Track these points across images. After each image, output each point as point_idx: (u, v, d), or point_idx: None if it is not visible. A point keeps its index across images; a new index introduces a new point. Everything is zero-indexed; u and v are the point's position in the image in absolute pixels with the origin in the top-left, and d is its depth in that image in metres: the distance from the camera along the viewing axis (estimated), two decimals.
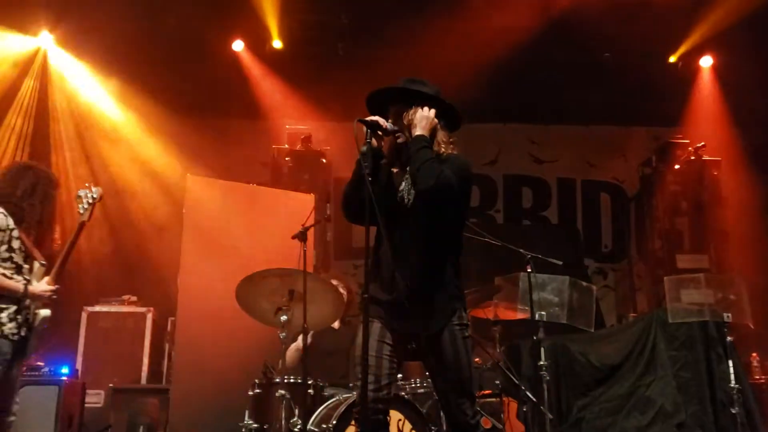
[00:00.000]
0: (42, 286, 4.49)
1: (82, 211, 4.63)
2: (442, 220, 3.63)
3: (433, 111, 3.67)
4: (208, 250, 6.71)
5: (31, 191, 4.55)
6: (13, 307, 4.40)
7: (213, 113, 9.51)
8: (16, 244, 4.48)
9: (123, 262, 7.93)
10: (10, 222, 4.48)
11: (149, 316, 7.62)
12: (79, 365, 7.19)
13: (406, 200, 3.67)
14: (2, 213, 4.47)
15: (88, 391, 6.82)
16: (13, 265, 4.48)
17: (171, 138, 9.39)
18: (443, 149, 3.71)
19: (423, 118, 3.65)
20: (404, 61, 8.05)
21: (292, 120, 9.23)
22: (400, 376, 5.47)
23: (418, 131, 3.63)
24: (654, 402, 6.69)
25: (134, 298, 7.81)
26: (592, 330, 6.59)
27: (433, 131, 3.69)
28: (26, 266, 4.52)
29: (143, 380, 7.41)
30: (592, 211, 10.12)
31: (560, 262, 5.92)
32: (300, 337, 5.70)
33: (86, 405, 6.73)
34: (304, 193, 7.52)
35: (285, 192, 7.57)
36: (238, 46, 8.86)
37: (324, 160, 9.09)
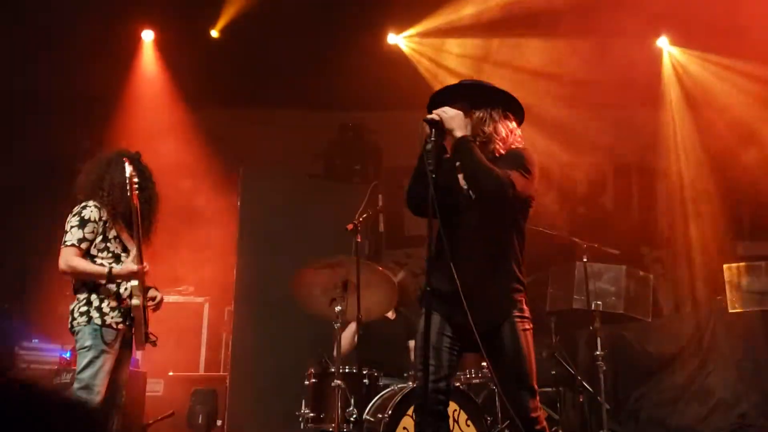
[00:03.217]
0: (127, 266, 4.49)
1: (129, 194, 4.54)
2: (505, 212, 3.63)
3: (454, 111, 3.59)
4: (263, 241, 6.81)
5: (119, 185, 4.54)
6: (114, 294, 4.50)
7: (266, 104, 9.59)
8: (111, 234, 4.54)
9: (180, 253, 8.07)
10: (103, 213, 4.55)
11: (206, 306, 7.75)
12: (139, 354, 7.35)
13: (469, 194, 3.66)
14: (94, 205, 4.54)
15: (148, 379, 6.97)
16: (111, 255, 4.55)
17: (224, 129, 9.51)
18: (510, 142, 3.69)
19: (452, 118, 3.57)
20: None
21: (343, 110, 9.26)
22: None
23: (457, 134, 3.57)
24: (713, 392, 6.59)
25: (191, 289, 7.93)
26: (649, 319, 6.50)
27: (490, 128, 3.67)
28: (125, 255, 4.58)
29: (201, 369, 7.55)
30: (648, 198, 9.94)
31: (617, 252, 5.85)
32: (352, 324, 5.75)
33: (147, 393, 6.89)
34: (356, 183, 7.56)
35: (337, 182, 7.63)
36: None
37: (375, 150, 9.11)
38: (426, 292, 3.39)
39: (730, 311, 6.60)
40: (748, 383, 6.57)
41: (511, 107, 3.77)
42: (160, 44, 8.60)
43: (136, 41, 8.56)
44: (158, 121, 8.84)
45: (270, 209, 6.95)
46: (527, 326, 3.63)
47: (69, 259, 4.45)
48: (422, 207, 3.56)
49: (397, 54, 8.53)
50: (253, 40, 8.61)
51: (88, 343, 4.43)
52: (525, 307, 3.66)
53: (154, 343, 4.72)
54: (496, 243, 3.62)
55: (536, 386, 3.62)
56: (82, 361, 4.42)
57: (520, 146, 3.73)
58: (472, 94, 3.74)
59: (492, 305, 3.58)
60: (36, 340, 7.64)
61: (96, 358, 4.41)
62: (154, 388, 7.13)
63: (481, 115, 3.69)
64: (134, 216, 4.47)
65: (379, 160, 9.26)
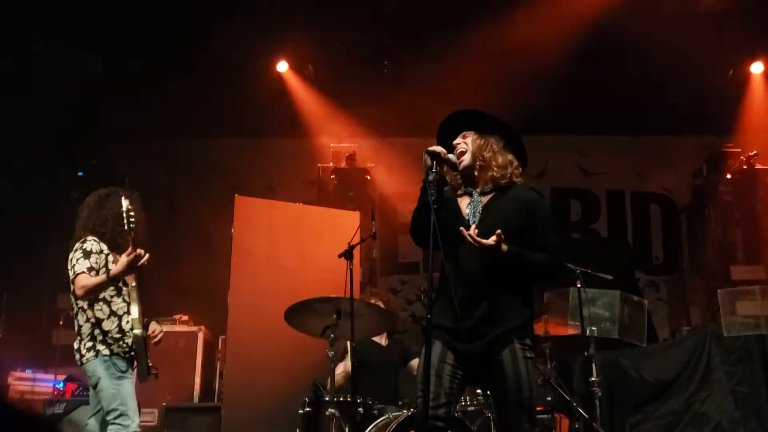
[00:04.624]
0: (120, 262, 4.44)
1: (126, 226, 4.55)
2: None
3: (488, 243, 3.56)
4: (257, 269, 6.78)
5: (117, 218, 4.57)
6: (116, 327, 4.55)
7: (259, 133, 9.64)
8: (112, 266, 4.57)
9: (174, 281, 8.05)
10: (104, 247, 4.62)
11: (200, 335, 7.69)
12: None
13: (471, 223, 3.70)
14: (93, 239, 4.61)
15: (141, 410, 6.89)
16: (114, 288, 4.60)
17: (219, 158, 9.54)
18: (510, 174, 3.77)
19: (486, 245, 3.53)
20: (449, 77, 8.07)
21: (336, 138, 9.31)
22: None
23: (505, 248, 3.56)
24: (710, 418, 6.54)
25: (185, 317, 7.90)
26: (645, 345, 6.49)
27: (490, 153, 3.77)
28: (125, 289, 4.64)
29: (195, 399, 7.48)
30: (642, 223, 9.97)
31: (610, 277, 5.85)
32: (346, 360, 5.72)
33: (140, 423, 6.81)
34: (349, 210, 7.57)
35: (331, 210, 7.63)
36: (282, 66, 8.97)
37: (368, 177, 9.14)
38: (428, 320, 3.42)
39: (726, 336, 6.59)
40: (744, 409, 6.54)
41: (515, 145, 3.88)
42: None
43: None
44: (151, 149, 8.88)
45: (264, 236, 6.94)
46: (529, 355, 3.64)
47: (83, 284, 4.47)
48: (426, 238, 3.59)
49: (390, 83, 8.59)
50: (249, 69, 8.69)
51: (102, 374, 4.47)
52: (528, 335, 3.68)
53: (156, 375, 4.74)
54: (500, 273, 3.62)
55: (535, 415, 3.62)
56: (106, 393, 4.46)
57: (533, 194, 3.89)
58: (479, 122, 3.85)
59: (493, 334, 3.58)
60: (29, 371, 7.60)
61: (117, 384, 4.47)
62: (147, 418, 7.06)
63: (483, 142, 3.80)
64: (132, 247, 4.44)
65: (372, 187, 9.29)
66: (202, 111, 8.71)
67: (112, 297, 4.59)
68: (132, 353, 4.58)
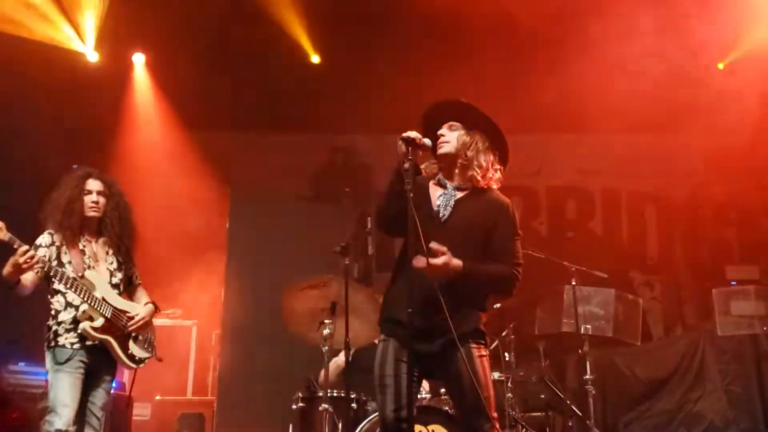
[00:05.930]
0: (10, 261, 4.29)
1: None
2: (474, 239, 3.62)
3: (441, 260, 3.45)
4: (251, 264, 6.79)
5: (65, 197, 4.58)
6: (70, 318, 4.45)
7: (255, 127, 9.59)
8: (65, 258, 4.52)
9: (168, 275, 8.02)
10: (56, 239, 4.54)
11: (194, 329, 7.69)
12: (126, 378, 7.28)
13: (441, 215, 3.66)
14: (48, 232, 4.56)
15: (135, 403, 6.89)
16: (69, 279, 4.48)
17: (214, 151, 9.49)
18: (489, 177, 3.69)
19: (438, 268, 3.43)
20: (449, 74, 8.03)
21: (334, 133, 9.28)
22: (443, 390, 5.45)
23: (463, 267, 3.48)
24: (703, 417, 6.57)
25: (179, 312, 7.88)
26: (639, 343, 6.50)
27: (473, 153, 3.69)
28: (83, 281, 4.49)
29: (189, 393, 7.47)
30: (637, 222, 9.96)
31: (605, 275, 5.85)
32: (340, 354, 5.70)
33: (134, 417, 6.81)
34: (345, 205, 7.56)
35: (326, 205, 7.62)
36: (278, 61, 8.93)
37: (365, 173, 9.11)
38: (409, 314, 3.31)
39: (720, 335, 6.60)
40: (737, 408, 6.56)
41: (499, 145, 3.77)
42: (152, 67, 8.63)
43: (128, 65, 8.60)
44: (148, 143, 8.84)
45: (259, 231, 6.94)
46: (483, 353, 3.59)
47: None
48: (395, 225, 3.55)
49: (386, 78, 8.56)
50: (244, 63, 8.65)
51: (48, 366, 4.43)
52: (482, 335, 3.63)
53: (159, 359, 4.80)
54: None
55: (493, 414, 3.53)
56: (49, 386, 4.40)
57: (506, 201, 3.76)
58: (466, 115, 3.75)
59: (450, 335, 3.45)
60: (22, 364, 7.57)
61: (54, 379, 4.37)
62: (141, 412, 7.06)
63: (468, 139, 3.71)
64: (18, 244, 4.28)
65: (368, 183, 9.25)
66: (199, 102, 8.67)
67: (67, 289, 4.46)
68: (88, 344, 4.44)
